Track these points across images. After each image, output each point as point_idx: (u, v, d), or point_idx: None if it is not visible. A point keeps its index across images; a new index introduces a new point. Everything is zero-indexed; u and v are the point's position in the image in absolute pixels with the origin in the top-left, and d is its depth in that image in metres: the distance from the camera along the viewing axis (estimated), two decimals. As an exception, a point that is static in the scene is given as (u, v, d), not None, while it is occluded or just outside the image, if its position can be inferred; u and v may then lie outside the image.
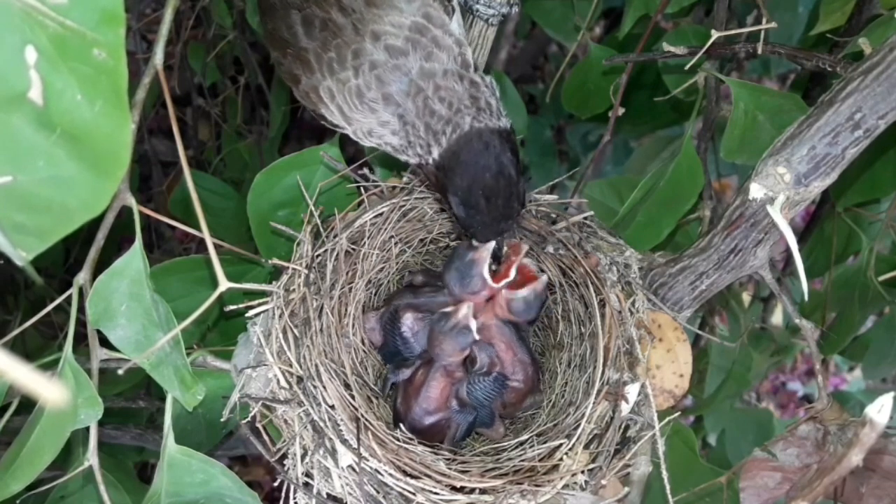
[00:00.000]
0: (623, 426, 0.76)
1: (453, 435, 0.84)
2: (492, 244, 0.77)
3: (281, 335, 0.76)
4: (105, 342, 0.67)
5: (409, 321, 0.86)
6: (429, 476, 0.71)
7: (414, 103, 0.68)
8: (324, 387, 0.73)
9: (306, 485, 0.72)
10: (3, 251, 0.45)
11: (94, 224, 0.51)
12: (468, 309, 0.80)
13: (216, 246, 0.58)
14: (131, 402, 1.07)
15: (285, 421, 0.74)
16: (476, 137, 0.67)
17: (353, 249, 0.87)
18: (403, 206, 0.90)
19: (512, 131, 0.70)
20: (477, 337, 0.81)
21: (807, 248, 1.31)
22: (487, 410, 0.86)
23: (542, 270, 0.87)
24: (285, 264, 0.79)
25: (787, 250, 1.12)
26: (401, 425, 0.82)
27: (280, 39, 0.72)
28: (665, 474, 0.70)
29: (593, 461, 0.74)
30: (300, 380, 0.74)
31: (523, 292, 0.80)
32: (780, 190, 0.66)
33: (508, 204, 0.69)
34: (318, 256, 0.82)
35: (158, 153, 1.71)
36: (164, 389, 0.69)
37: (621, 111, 1.02)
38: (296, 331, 0.76)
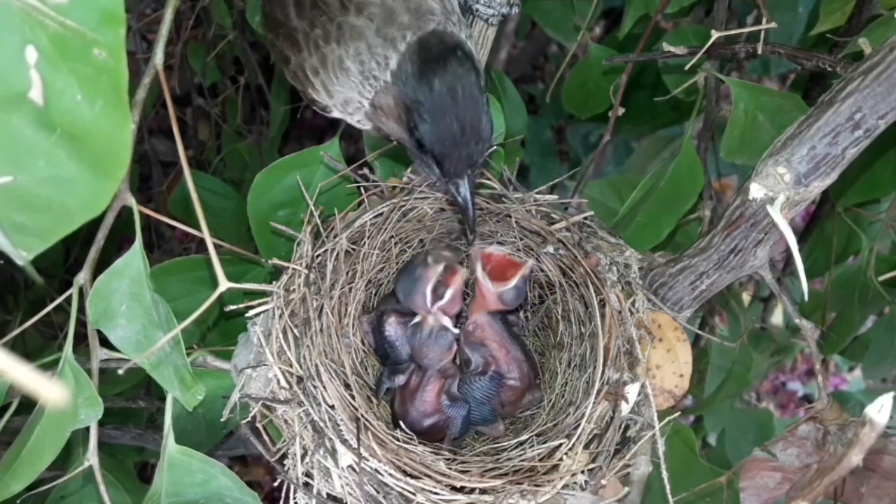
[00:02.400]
0: (623, 426, 0.76)
1: (452, 433, 0.84)
2: (440, 267, 0.76)
3: (281, 335, 0.76)
4: (105, 342, 0.67)
5: (391, 327, 0.86)
6: (429, 476, 0.71)
7: (380, 34, 0.64)
8: (324, 387, 0.73)
9: (306, 485, 0.72)
10: (3, 251, 0.45)
11: (94, 224, 0.51)
12: (436, 315, 0.80)
13: (216, 246, 0.58)
14: (131, 402, 1.07)
15: (285, 421, 0.74)
16: (441, 38, 0.62)
17: (353, 249, 0.87)
18: (403, 206, 0.89)
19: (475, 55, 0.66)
20: (456, 332, 0.81)
21: (807, 248, 1.31)
22: (487, 408, 0.86)
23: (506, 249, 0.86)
24: (285, 264, 0.79)
25: (787, 250, 1.12)
26: (400, 424, 0.82)
27: (275, 21, 0.72)
28: (665, 474, 0.70)
29: (593, 461, 0.73)
30: (300, 380, 0.74)
31: (513, 282, 0.80)
32: (780, 190, 0.66)
33: (477, 115, 0.62)
34: (318, 256, 0.82)
35: (158, 153, 1.71)
36: (164, 389, 0.69)
37: (621, 111, 1.02)
38: (296, 331, 0.76)
